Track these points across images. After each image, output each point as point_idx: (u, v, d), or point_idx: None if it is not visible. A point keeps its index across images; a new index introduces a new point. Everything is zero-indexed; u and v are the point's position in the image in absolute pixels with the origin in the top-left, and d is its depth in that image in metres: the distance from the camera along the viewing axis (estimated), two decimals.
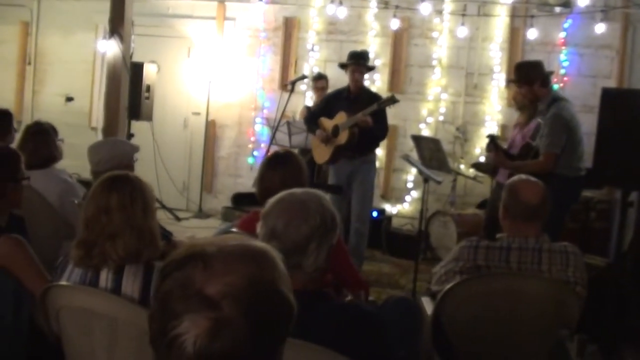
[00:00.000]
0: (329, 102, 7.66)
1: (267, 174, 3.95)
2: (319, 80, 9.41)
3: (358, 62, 7.40)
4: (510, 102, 9.12)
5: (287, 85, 8.25)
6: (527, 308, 3.57)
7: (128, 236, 2.94)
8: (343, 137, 7.26)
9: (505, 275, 3.70)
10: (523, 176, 3.93)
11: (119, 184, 3.00)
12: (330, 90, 8.68)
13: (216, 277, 1.48)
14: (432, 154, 8.21)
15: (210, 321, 1.44)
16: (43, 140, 5.20)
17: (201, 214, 10.76)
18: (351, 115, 7.20)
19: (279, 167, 3.93)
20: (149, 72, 8.91)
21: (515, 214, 3.76)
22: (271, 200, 2.60)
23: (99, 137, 10.59)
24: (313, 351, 2.33)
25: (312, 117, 7.74)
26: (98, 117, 11.20)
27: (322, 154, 7.58)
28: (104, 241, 2.93)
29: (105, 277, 2.96)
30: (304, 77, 9.03)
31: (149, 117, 9.15)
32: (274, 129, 8.14)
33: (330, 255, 2.59)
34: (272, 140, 8.26)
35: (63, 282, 3.03)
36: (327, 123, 7.47)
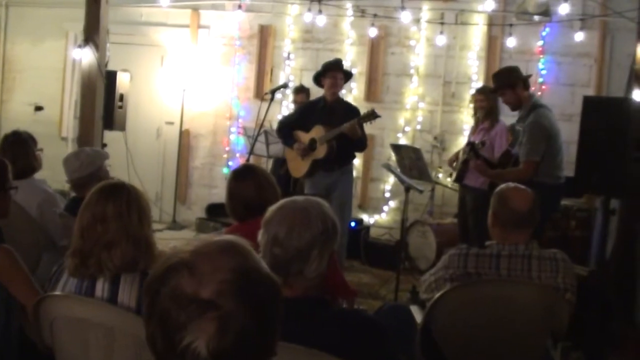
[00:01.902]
0: (304, 113, 7.65)
1: (239, 187, 4.00)
2: (300, 93, 9.44)
3: (338, 67, 7.40)
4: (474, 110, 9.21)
5: (267, 93, 8.25)
6: (517, 315, 3.63)
7: (124, 245, 2.96)
8: (321, 151, 7.28)
9: (495, 282, 3.76)
10: (511, 184, 3.98)
11: (115, 192, 3.03)
12: None
13: (206, 278, 1.55)
14: (412, 163, 8.28)
15: (215, 321, 1.52)
16: (22, 150, 5.19)
17: (175, 225, 10.75)
18: (328, 128, 7.20)
19: (249, 177, 4.00)
20: (122, 81, 8.88)
21: (505, 221, 3.83)
22: (272, 208, 2.64)
23: (70, 147, 10.59)
24: (318, 358, 2.37)
25: (286, 127, 7.69)
26: (68, 126, 11.18)
27: (298, 168, 7.59)
28: (100, 250, 2.95)
29: (101, 287, 2.97)
30: (285, 85, 9.06)
31: (122, 127, 9.13)
32: (254, 139, 8.16)
33: (328, 262, 2.66)
34: (252, 150, 8.28)
35: (58, 292, 3.05)
36: (303, 136, 7.48)
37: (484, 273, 3.78)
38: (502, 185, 3.99)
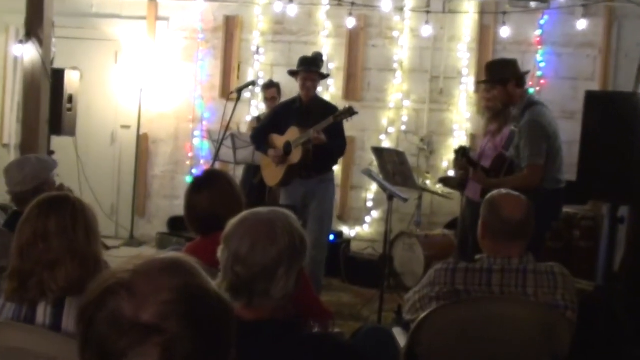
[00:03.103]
0: (278, 115, 7.69)
1: (193, 199, 4.00)
2: (269, 88, 9.43)
3: (309, 68, 7.44)
4: (480, 108, 9.23)
5: (233, 93, 8.24)
6: (512, 336, 3.63)
7: (69, 264, 2.94)
8: (296, 156, 7.29)
9: (487, 300, 3.75)
10: (503, 190, 3.98)
11: (58, 205, 3.01)
12: (283, 99, 8.73)
13: (146, 300, 1.54)
14: (395, 168, 8.29)
15: (159, 347, 1.51)
16: None
17: (133, 241, 10.71)
18: (304, 129, 7.22)
19: (204, 189, 4.00)
20: (71, 80, 8.84)
21: (497, 232, 3.82)
22: (233, 221, 2.64)
23: (12, 155, 10.53)
24: None
25: (260, 133, 7.74)
26: (10, 131, 11.11)
27: (273, 176, 7.61)
28: (42, 270, 2.92)
29: (43, 312, 2.95)
30: (252, 83, 9.03)
31: (71, 132, 9.08)
32: (219, 143, 8.14)
33: (298, 280, 2.66)
34: (217, 156, 8.26)
35: None
36: (278, 140, 7.50)
37: (473, 290, 3.77)
38: (494, 192, 3.99)
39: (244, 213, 2.68)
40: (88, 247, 3.01)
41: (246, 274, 2.52)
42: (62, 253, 2.94)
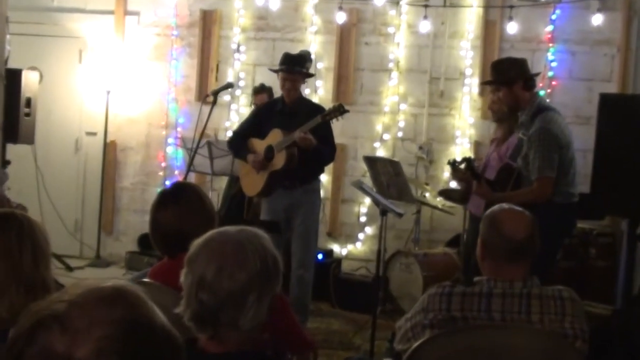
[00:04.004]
0: (259, 117, 7.67)
1: (158, 215, 3.98)
2: (260, 93, 9.35)
3: (291, 68, 7.42)
4: (485, 112, 9.23)
5: (209, 96, 8.22)
6: None
7: (14, 292, 2.90)
8: (279, 161, 7.27)
9: (486, 329, 3.72)
10: (505, 205, 3.96)
11: (2, 225, 2.99)
12: None
13: (81, 335, 1.52)
14: (390, 180, 8.29)
15: None
16: None
17: (99, 261, 10.68)
18: (288, 132, 7.20)
19: (171, 204, 3.96)
20: (29, 82, 8.82)
21: (498, 252, 3.80)
22: (197, 242, 2.62)
23: None
24: None
25: (238, 137, 7.72)
26: None
27: (252, 184, 7.57)
28: None
29: None
30: (230, 85, 9.01)
31: (29, 139, 9.06)
32: (193, 152, 8.12)
33: (271, 308, 2.64)
34: (190, 166, 8.23)
35: None
36: (259, 144, 7.48)
37: (471, 317, 3.75)
38: (494, 207, 3.97)
39: (211, 232, 2.66)
40: (36, 272, 2.97)
41: (212, 301, 2.50)
42: (6, 279, 2.91)
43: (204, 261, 2.55)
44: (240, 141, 7.66)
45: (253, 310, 2.53)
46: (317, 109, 7.51)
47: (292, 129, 7.17)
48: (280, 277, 2.64)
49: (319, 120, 7.06)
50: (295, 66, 7.44)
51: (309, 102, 7.81)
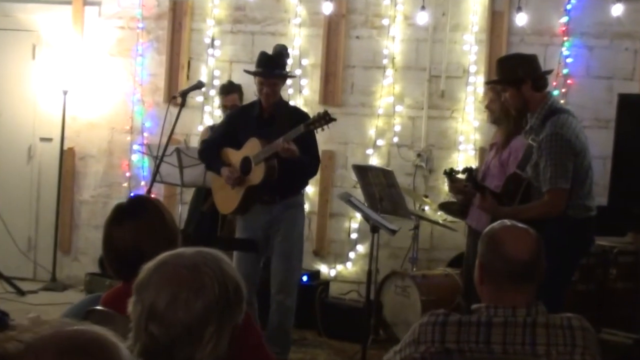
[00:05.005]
0: (233, 124, 7.64)
1: (112, 233, 3.91)
2: (229, 94, 9.37)
3: (269, 72, 7.38)
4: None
5: (177, 97, 8.19)
6: None
7: None
8: (257, 175, 7.23)
9: None
10: (507, 222, 3.93)
11: None
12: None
13: None
14: (383, 192, 8.28)
15: None
16: None
17: (55, 284, 10.68)
18: (267, 142, 7.16)
19: (127, 220, 3.90)
20: None
21: (498, 276, 3.77)
22: (148, 266, 2.59)
23: None
24: None
25: (210, 147, 7.68)
26: None
27: (227, 201, 7.54)
28: None
29: None
30: (200, 85, 8.96)
31: None
32: (159, 160, 8.08)
33: (235, 340, 2.60)
34: (156, 175, 8.20)
35: None
36: (234, 155, 7.45)
37: (469, 349, 3.73)
38: (494, 224, 3.94)
39: (163, 255, 2.62)
40: None
41: (164, 335, 2.46)
42: None
43: (155, 288, 2.51)
44: (212, 151, 7.62)
45: (211, 344, 2.49)
46: (298, 114, 7.51)
47: (271, 138, 7.12)
48: (242, 305, 2.60)
49: (301, 130, 7.00)
50: (275, 69, 7.39)
51: (289, 107, 7.78)
